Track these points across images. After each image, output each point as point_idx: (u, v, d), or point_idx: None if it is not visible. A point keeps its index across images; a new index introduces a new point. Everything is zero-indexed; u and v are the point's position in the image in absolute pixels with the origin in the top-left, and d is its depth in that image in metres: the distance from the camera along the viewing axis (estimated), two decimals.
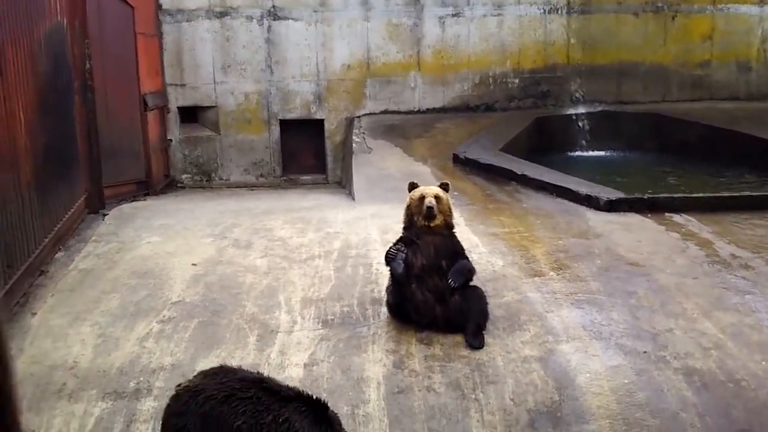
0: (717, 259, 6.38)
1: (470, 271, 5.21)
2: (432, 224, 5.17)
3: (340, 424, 3.39)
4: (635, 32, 12.43)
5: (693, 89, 12.55)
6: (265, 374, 4.40)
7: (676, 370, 4.60)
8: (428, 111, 12.20)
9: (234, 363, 4.68)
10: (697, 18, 12.54)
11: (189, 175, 12.03)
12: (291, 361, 4.81)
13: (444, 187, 5.37)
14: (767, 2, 12.52)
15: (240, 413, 3.30)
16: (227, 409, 3.33)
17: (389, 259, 5.12)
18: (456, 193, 8.31)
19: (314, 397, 3.42)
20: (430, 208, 5.12)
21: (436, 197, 5.20)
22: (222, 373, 3.55)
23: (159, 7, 11.60)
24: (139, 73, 10.28)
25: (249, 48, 11.85)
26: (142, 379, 4.63)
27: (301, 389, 3.51)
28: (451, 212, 5.33)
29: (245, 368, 3.73)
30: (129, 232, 7.61)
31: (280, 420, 3.25)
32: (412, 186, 5.39)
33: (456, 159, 10.09)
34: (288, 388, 3.50)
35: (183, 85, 11.82)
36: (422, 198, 5.19)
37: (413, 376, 4.60)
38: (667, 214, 7.69)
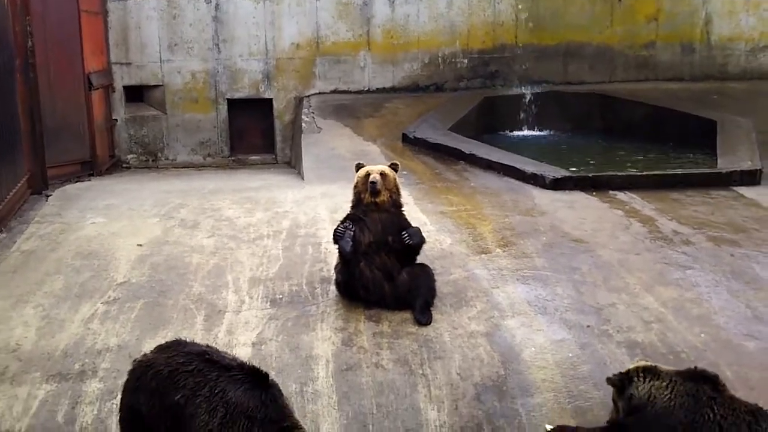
0: (659, 236, 6.52)
1: (423, 238, 5.27)
2: (378, 200, 5.19)
3: (281, 393, 3.38)
4: (582, 13, 12.54)
5: (638, 70, 12.72)
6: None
7: (618, 344, 4.71)
8: (378, 91, 12.17)
9: None
10: None
11: (135, 155, 11.84)
12: (239, 340, 4.81)
13: (393, 167, 5.40)
14: None
15: (180, 387, 3.30)
16: (170, 383, 3.33)
17: (337, 237, 5.13)
18: (405, 172, 8.34)
19: (254, 367, 3.41)
20: (373, 183, 5.15)
21: (382, 174, 5.23)
22: (173, 346, 3.54)
23: None
24: (84, 52, 10.06)
25: (196, 26, 11.68)
26: (87, 360, 4.58)
27: (244, 360, 3.50)
28: (398, 190, 5.36)
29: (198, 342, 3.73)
30: (73, 213, 7.48)
31: (216, 390, 3.25)
32: (359, 166, 5.42)
33: (405, 138, 10.11)
34: (232, 358, 3.49)
35: (129, 64, 11.61)
36: (368, 175, 5.21)
37: (362, 353, 4.63)
38: (611, 191, 7.83)
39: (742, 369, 4.43)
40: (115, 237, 6.66)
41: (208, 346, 3.62)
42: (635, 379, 3.55)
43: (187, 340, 3.70)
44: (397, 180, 5.39)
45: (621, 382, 3.58)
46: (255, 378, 3.33)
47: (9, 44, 7.66)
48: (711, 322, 4.98)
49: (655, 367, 3.57)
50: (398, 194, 5.36)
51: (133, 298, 5.37)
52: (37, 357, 4.63)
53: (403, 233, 5.13)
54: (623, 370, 3.64)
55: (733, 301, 5.27)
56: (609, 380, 3.65)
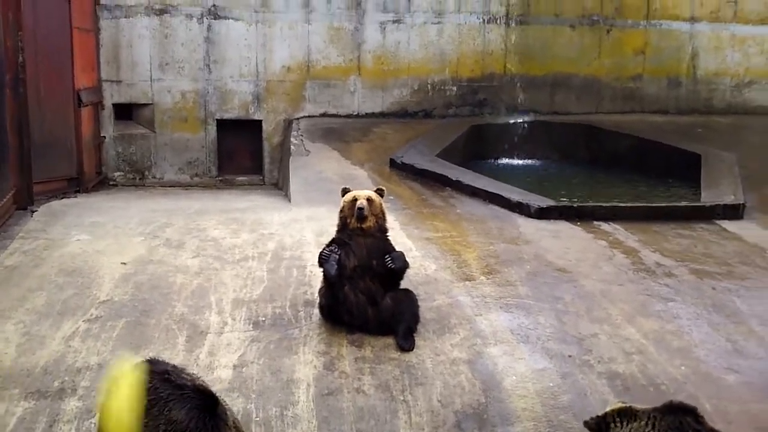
0: (642, 267, 6.57)
1: (406, 263, 5.29)
2: (364, 226, 5.22)
3: (227, 416, 3.33)
4: (571, 44, 12.70)
5: (624, 102, 12.87)
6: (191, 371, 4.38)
7: (599, 374, 4.73)
8: (367, 115, 12.24)
9: None
10: (631, 32, 12.87)
11: (122, 173, 11.82)
12: (220, 362, 4.79)
13: (379, 192, 5.43)
14: (698, 19, 12.92)
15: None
16: None
17: (322, 260, 5.15)
18: (392, 197, 8.38)
19: (205, 388, 3.36)
20: (360, 209, 5.17)
21: (369, 200, 5.26)
22: (144, 364, 3.51)
23: (97, 1, 11.38)
24: (74, 68, 10.07)
25: (188, 46, 11.73)
26: (66, 378, 4.55)
27: (202, 383, 3.44)
28: (384, 216, 5.39)
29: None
30: (58, 230, 7.45)
31: (164, 409, 3.22)
32: (345, 191, 5.44)
33: (393, 164, 10.16)
34: (192, 379, 3.43)
35: (119, 82, 11.63)
36: (354, 200, 5.24)
37: (343, 378, 4.62)
38: (595, 222, 7.89)
39: (721, 402, 4.45)
40: (100, 255, 6.64)
41: (174, 366, 3.55)
42: (612, 424, 3.45)
43: (164, 359, 3.68)
44: (383, 205, 5.42)
45: (598, 426, 3.52)
46: (203, 399, 3.28)
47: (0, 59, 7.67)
48: (691, 355, 5.01)
49: (631, 407, 3.49)
50: (384, 219, 5.39)
51: (116, 317, 5.35)
52: (16, 374, 4.60)
53: (386, 257, 5.15)
54: (600, 414, 3.55)
55: (713, 334, 5.32)
56: (586, 424, 3.59)
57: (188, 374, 3.46)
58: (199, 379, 3.46)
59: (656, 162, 10.95)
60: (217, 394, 3.39)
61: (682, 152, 10.72)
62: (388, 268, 5.14)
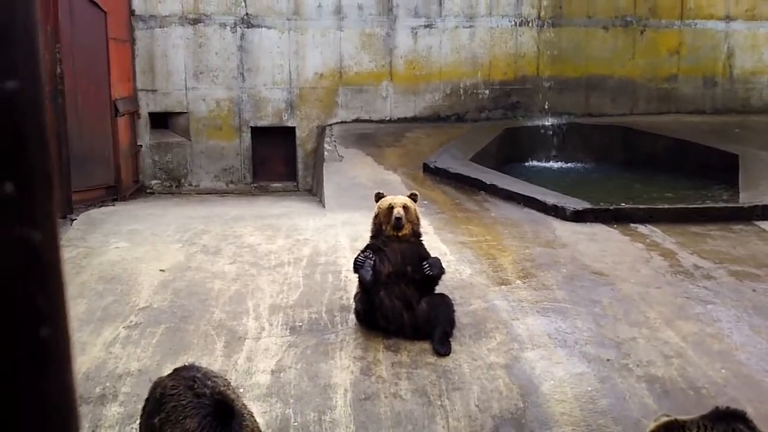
0: (680, 270, 6.50)
1: (443, 269, 5.29)
2: (400, 234, 5.22)
3: (247, 428, 3.30)
4: (604, 46, 12.61)
5: (660, 103, 12.75)
6: (231, 380, 4.42)
7: (638, 378, 4.68)
8: (399, 120, 12.27)
9: None
10: (665, 33, 12.75)
11: (158, 181, 11.98)
12: (258, 367, 4.83)
13: (413, 197, 5.43)
14: (733, 18, 12.76)
15: (161, 410, 3.31)
16: (157, 405, 3.35)
17: (357, 266, 5.16)
18: (425, 202, 8.38)
19: (223, 397, 3.35)
20: (398, 218, 5.18)
21: (405, 207, 5.26)
22: (180, 371, 3.55)
23: (132, 12, 11.57)
24: (111, 79, 10.25)
25: (221, 55, 11.85)
26: (108, 384, 4.62)
27: (223, 390, 3.42)
28: (418, 221, 5.39)
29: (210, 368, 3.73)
30: (97, 237, 7.57)
31: (180, 417, 3.23)
32: (379, 196, 5.44)
33: (426, 168, 10.17)
34: (213, 386, 3.39)
35: (154, 91, 11.79)
36: (391, 208, 5.24)
37: (380, 383, 4.63)
38: (632, 224, 7.82)
39: (763, 406, 4.39)
40: (138, 262, 6.73)
41: (205, 373, 3.52)
42: None
43: (202, 366, 3.70)
44: (417, 210, 5.42)
45: None
46: (218, 408, 3.27)
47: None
48: (732, 358, 4.94)
49: (677, 420, 3.29)
50: (418, 224, 5.40)
51: (155, 323, 5.42)
52: None
53: (424, 264, 5.16)
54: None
55: (754, 336, 5.24)
56: None
57: (215, 381, 3.44)
58: (225, 387, 3.43)
59: (693, 163, 10.84)
60: (239, 403, 3.37)
61: (719, 153, 10.59)
62: (425, 274, 5.15)
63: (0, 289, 0.66)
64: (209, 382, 3.41)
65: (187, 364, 3.77)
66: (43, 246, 0.67)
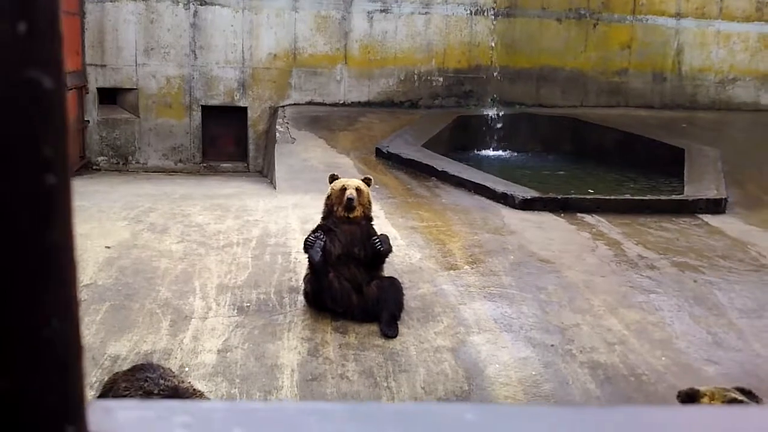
0: (624, 259, 6.62)
1: (390, 245, 5.32)
2: (351, 215, 5.23)
3: None
4: (557, 38, 12.73)
5: (610, 96, 12.92)
6: (178, 359, 4.38)
7: (581, 364, 4.77)
8: (353, 104, 12.22)
9: (146, 347, 4.65)
10: (618, 27, 12.91)
11: (105, 158, 11.76)
12: (204, 347, 4.79)
13: (366, 181, 5.44)
14: (684, 15, 12.98)
15: None
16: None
17: (308, 246, 5.15)
18: (377, 186, 8.37)
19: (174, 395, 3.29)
20: (350, 199, 5.18)
21: (357, 190, 5.27)
22: (137, 370, 3.46)
23: None
24: None
25: (173, 32, 11.66)
26: None
27: (176, 386, 3.36)
28: (370, 205, 5.41)
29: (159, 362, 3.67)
30: None
31: None
32: (333, 178, 5.45)
33: (379, 153, 10.17)
34: (165, 385, 3.31)
35: (104, 66, 11.55)
36: (344, 189, 5.24)
37: (327, 364, 4.64)
38: (579, 214, 7.94)
39: None
40: (83, 238, 6.60)
41: (160, 374, 3.42)
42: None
43: (162, 365, 3.60)
44: (370, 194, 5.43)
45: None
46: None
47: None
48: (672, 346, 5.06)
49: (693, 388, 3.32)
50: (370, 208, 5.41)
51: (99, 300, 5.33)
52: None
53: (374, 238, 5.17)
54: None
55: (694, 326, 5.37)
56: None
57: (169, 380, 3.36)
58: (179, 384, 3.36)
59: (640, 156, 11.03)
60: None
61: (666, 147, 10.80)
62: (373, 252, 5.16)
63: (11, 132, 0.65)
64: (162, 381, 3.35)
65: (146, 362, 3.70)
66: (52, 91, 0.66)
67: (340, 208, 5.24)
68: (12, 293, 0.66)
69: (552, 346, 4.95)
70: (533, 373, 4.63)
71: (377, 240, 5.18)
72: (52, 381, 0.68)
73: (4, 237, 0.65)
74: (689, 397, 3.30)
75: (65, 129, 0.69)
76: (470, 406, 0.80)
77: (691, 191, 8.81)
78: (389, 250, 5.29)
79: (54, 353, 0.68)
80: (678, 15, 12.93)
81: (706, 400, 3.24)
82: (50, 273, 0.67)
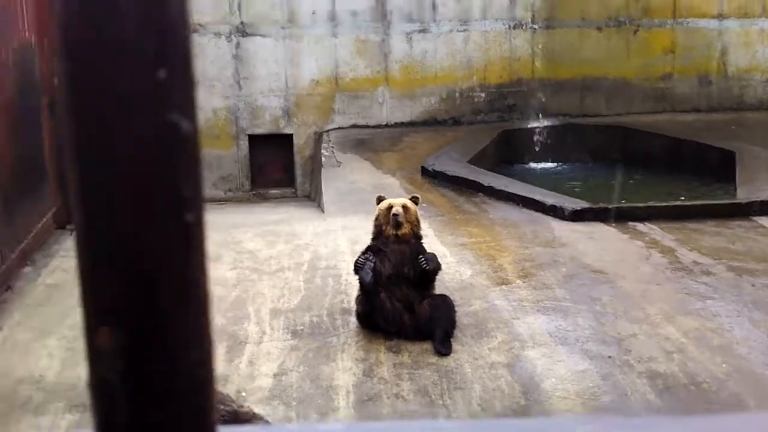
0: (679, 266, 6.52)
1: (439, 263, 5.32)
2: (399, 233, 5.25)
3: None
4: (598, 46, 12.64)
5: (655, 102, 12.76)
6: (235, 384, 4.44)
7: (639, 374, 4.70)
8: (396, 125, 12.27)
9: None
10: (659, 32, 12.77)
11: None
12: (260, 371, 4.84)
13: (414, 200, 5.47)
14: (726, 16, 12.79)
15: None
16: None
17: (358, 267, 5.18)
18: (425, 205, 8.37)
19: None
20: (396, 215, 5.20)
21: (404, 207, 5.29)
22: None
23: None
24: None
25: (217, 63, 11.88)
26: None
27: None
28: (418, 223, 5.42)
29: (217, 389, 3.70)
30: None
31: None
32: (380, 199, 5.48)
33: (424, 171, 10.18)
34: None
35: None
36: (390, 207, 5.27)
37: (382, 384, 4.65)
38: (630, 223, 7.83)
39: (764, 399, 4.40)
40: None
41: (220, 399, 3.46)
42: None
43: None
44: (418, 213, 5.45)
45: None
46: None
47: (36, 83, 7.85)
48: (733, 353, 4.96)
49: None
50: (418, 227, 5.43)
51: None
52: (60, 388, 4.69)
53: (419, 257, 5.18)
54: None
55: (754, 330, 5.26)
56: None
57: (224, 408, 3.39)
58: (229, 410, 3.39)
59: (690, 161, 10.86)
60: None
61: (716, 150, 10.61)
62: (422, 270, 5.16)
63: (154, 173, 0.70)
64: (222, 407, 3.37)
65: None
66: (189, 133, 0.71)
67: (388, 227, 5.27)
68: (157, 327, 0.70)
69: (609, 357, 4.89)
70: (591, 385, 4.57)
71: (423, 259, 5.18)
72: (188, 410, 0.73)
73: (149, 271, 0.69)
74: None
75: (199, 169, 0.73)
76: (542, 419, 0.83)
77: (744, 194, 8.64)
78: (437, 268, 5.29)
79: (192, 383, 0.72)
80: (720, 16, 12.75)
81: None
82: (189, 304, 0.72)
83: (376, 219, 5.39)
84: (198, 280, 0.72)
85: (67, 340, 5.30)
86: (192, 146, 0.72)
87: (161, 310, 0.70)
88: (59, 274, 6.74)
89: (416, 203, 5.45)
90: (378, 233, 5.36)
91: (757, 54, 12.84)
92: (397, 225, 5.23)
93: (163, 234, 0.70)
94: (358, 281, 5.30)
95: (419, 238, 5.40)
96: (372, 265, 5.14)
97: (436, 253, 5.47)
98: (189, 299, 0.71)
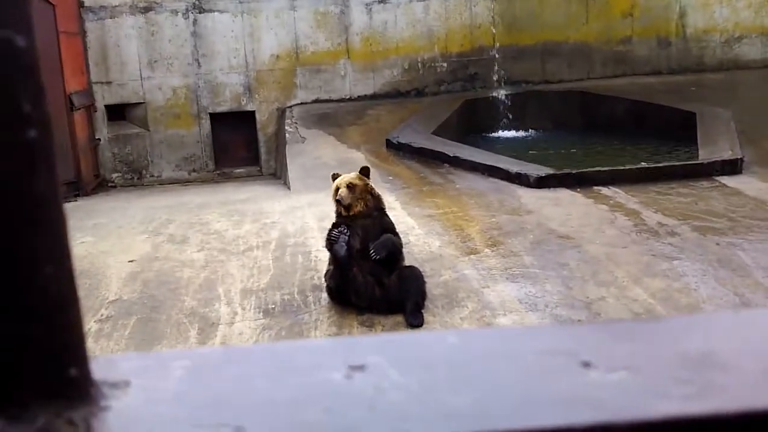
0: (644, 228, 6.59)
1: (395, 245, 5.26)
2: (351, 213, 5.21)
3: None
4: (558, 11, 12.65)
5: (616, 65, 12.84)
6: None
7: None
8: (359, 98, 12.22)
9: None
10: None
11: (119, 174, 11.84)
12: None
13: (363, 171, 5.39)
14: None
15: None
16: None
17: (332, 241, 5.14)
18: (390, 178, 8.39)
19: None
20: (338, 201, 5.17)
21: (349, 186, 5.21)
22: None
23: (81, 4, 11.36)
24: (64, 73, 10.07)
25: (175, 42, 11.70)
26: None
27: None
28: (373, 194, 5.32)
29: None
30: None
31: None
32: (335, 177, 5.42)
33: (389, 144, 10.17)
34: None
35: (109, 83, 11.62)
36: (337, 190, 5.23)
37: None
38: (595, 187, 7.91)
39: None
40: (105, 255, 6.67)
41: None
42: None
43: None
44: (371, 184, 5.38)
45: None
46: None
47: None
48: (700, 311, 5.04)
49: None
50: (375, 198, 5.33)
51: (126, 315, 5.38)
52: None
53: (369, 250, 5.11)
54: None
55: (720, 288, 5.34)
56: None
57: None
58: None
59: (652, 123, 10.96)
60: None
61: (677, 111, 10.73)
62: (371, 259, 5.11)
63: None
64: None
65: None
66: (24, 49, 0.70)
67: (340, 208, 5.24)
68: (2, 241, 0.69)
69: (579, 321, 4.95)
70: None
71: (372, 251, 5.10)
72: (49, 327, 0.71)
73: None
74: None
75: (41, 86, 0.72)
76: (453, 330, 0.85)
77: (705, 154, 8.75)
78: (388, 254, 5.13)
79: (49, 299, 0.71)
80: None
81: None
82: (39, 222, 0.71)
83: (333, 197, 5.35)
84: (46, 197, 0.71)
85: None
86: (30, 62, 0.70)
87: (7, 228, 0.69)
88: None
89: (367, 174, 5.38)
90: (338, 211, 5.33)
91: (715, 14, 12.94)
92: (345, 207, 5.19)
93: (3, 152, 0.68)
94: (330, 256, 5.28)
95: (381, 209, 5.35)
96: (346, 238, 5.11)
97: (391, 234, 5.36)
98: (38, 217, 0.70)
